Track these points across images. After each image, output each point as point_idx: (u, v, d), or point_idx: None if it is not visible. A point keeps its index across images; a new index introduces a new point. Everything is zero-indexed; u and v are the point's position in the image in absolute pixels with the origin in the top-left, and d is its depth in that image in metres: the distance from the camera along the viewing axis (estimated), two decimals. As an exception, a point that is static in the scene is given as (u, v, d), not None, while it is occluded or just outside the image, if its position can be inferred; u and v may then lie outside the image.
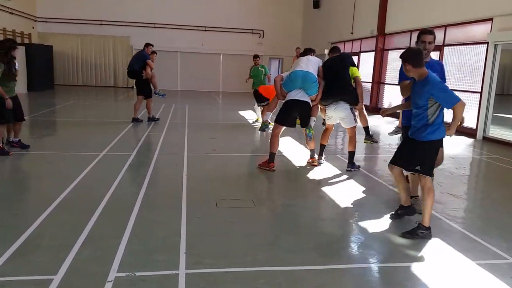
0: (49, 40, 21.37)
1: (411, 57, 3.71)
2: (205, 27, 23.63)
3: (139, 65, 9.90)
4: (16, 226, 3.71)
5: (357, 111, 6.40)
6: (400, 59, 3.78)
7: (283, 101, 6.23)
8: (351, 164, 6.27)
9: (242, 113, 10.61)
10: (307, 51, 6.66)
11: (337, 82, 5.98)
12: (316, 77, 6.04)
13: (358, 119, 6.38)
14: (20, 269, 2.94)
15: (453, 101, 3.59)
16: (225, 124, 10.72)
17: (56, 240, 3.44)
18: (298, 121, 6.35)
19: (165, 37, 22.56)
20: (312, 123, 6.28)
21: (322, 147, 6.59)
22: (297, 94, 6.05)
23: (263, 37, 24.66)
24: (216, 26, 23.73)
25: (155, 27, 23.02)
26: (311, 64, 6.12)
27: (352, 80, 6.16)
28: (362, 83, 6.32)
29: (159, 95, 10.42)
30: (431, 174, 3.83)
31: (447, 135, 3.81)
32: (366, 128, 6.66)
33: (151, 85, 10.12)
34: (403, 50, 3.83)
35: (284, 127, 6.30)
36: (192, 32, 23.30)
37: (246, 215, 4.30)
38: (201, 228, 3.83)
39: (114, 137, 7.96)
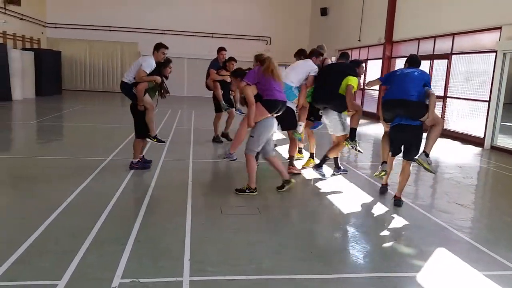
0: (58, 45, 21.57)
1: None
2: (212, 33, 23.76)
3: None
4: (21, 230, 3.72)
5: (349, 116, 6.18)
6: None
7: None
8: (319, 166, 6.11)
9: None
10: (300, 53, 6.67)
11: (325, 87, 5.91)
12: (291, 84, 6.00)
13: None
14: (24, 274, 2.95)
15: None
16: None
17: (61, 245, 3.45)
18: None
19: (173, 43, 22.67)
20: (300, 129, 6.22)
21: (335, 159, 6.38)
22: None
23: (270, 44, 24.74)
24: (223, 32, 23.85)
25: (163, 33, 23.19)
26: (294, 71, 6.12)
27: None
28: (353, 92, 5.85)
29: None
30: None
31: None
32: (353, 130, 6.07)
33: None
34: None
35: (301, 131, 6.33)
36: (199, 39, 23.41)
37: (251, 222, 4.28)
38: (205, 235, 3.82)
39: (120, 142, 7.99)
